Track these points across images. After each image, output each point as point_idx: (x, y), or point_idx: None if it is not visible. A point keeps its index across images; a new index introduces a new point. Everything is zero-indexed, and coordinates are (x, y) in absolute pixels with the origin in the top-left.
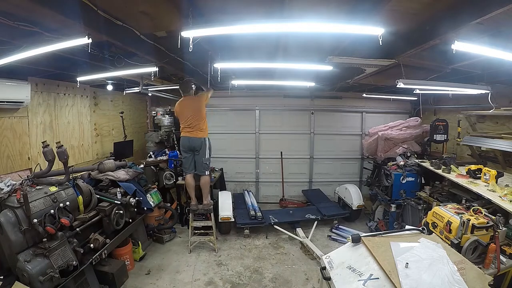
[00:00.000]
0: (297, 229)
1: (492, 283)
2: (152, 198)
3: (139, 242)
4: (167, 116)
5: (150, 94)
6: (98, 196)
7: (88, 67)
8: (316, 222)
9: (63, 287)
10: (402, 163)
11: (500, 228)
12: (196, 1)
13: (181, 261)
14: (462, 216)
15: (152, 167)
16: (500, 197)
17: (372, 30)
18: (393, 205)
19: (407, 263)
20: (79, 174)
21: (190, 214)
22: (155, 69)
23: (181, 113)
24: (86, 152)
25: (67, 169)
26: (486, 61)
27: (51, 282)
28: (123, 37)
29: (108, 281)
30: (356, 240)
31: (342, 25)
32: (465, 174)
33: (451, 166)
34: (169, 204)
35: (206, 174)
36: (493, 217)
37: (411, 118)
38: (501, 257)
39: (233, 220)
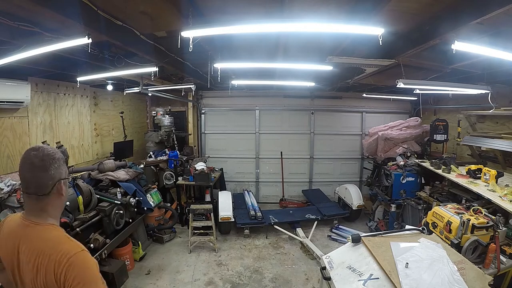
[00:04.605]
0: (297, 229)
1: (492, 283)
2: (152, 198)
3: (139, 242)
4: (167, 116)
5: (150, 94)
6: (98, 196)
7: (88, 67)
8: (316, 222)
9: None
10: (402, 163)
11: (500, 228)
12: (196, 1)
13: (181, 261)
14: (462, 216)
15: (152, 167)
16: (500, 197)
17: (372, 30)
18: (393, 205)
19: (407, 263)
20: (79, 174)
21: (190, 214)
22: (155, 69)
23: None
24: (86, 152)
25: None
26: (486, 61)
27: None
28: (123, 37)
29: (108, 281)
30: (356, 240)
31: (342, 25)
32: (465, 174)
33: (451, 166)
34: (169, 204)
35: None
36: (493, 217)
37: (411, 118)
38: (501, 257)
39: (233, 220)
